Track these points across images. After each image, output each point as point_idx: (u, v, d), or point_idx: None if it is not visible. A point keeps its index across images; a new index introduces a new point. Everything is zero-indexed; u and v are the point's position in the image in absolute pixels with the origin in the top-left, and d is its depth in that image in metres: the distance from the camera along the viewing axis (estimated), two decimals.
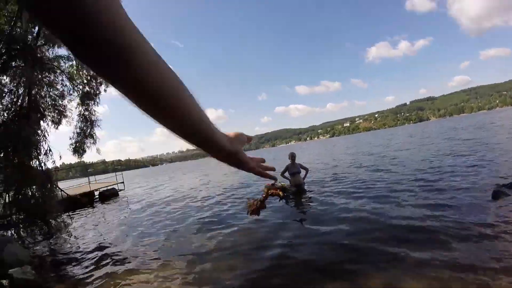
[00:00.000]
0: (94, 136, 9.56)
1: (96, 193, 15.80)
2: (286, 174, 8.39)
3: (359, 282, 3.06)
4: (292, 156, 8.44)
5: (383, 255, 3.54)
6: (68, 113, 9.11)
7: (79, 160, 15.70)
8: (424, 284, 2.82)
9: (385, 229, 4.37)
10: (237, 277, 3.63)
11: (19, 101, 6.62)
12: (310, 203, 7.08)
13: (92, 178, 17.19)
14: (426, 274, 2.95)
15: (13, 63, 7.01)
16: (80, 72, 8.96)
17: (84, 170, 17.88)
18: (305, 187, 8.61)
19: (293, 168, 8.31)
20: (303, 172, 8.47)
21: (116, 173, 19.38)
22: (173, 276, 3.92)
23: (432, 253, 3.35)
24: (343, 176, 10.34)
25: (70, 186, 15.32)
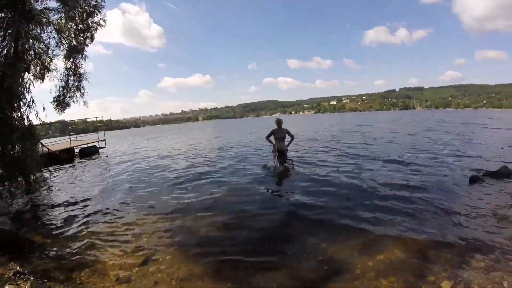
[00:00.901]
0: (82, 90, 9.27)
1: (77, 150, 15.58)
2: (271, 138, 8.38)
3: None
4: (279, 122, 8.39)
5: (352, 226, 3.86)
6: (52, 67, 8.82)
7: (60, 119, 15.38)
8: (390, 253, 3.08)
9: (358, 205, 4.65)
10: (210, 229, 3.99)
11: (4, 51, 6.33)
12: (291, 170, 7.44)
13: (73, 137, 16.83)
14: (390, 246, 3.24)
15: (1, 14, 6.67)
16: (69, 25, 8.60)
17: (64, 128, 17.33)
18: (288, 154, 8.66)
19: (279, 133, 8.28)
20: (288, 139, 8.46)
21: (98, 132, 19.10)
22: (149, 229, 4.11)
23: (402, 227, 3.70)
24: (324, 149, 10.85)
25: (50, 143, 15.03)
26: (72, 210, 5.31)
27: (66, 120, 16.50)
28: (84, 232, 4.20)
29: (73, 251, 3.57)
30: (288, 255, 3.20)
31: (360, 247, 3.26)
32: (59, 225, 4.61)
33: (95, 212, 5.06)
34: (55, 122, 18.98)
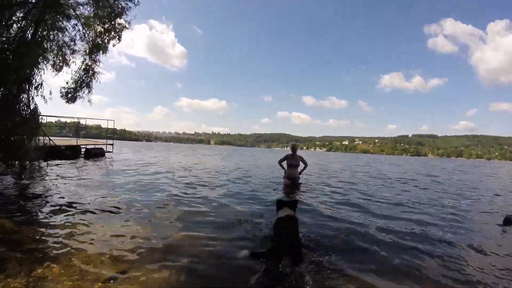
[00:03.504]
0: (91, 87, 9.26)
1: (83, 150, 15.35)
2: (284, 163, 7.74)
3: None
4: (294, 147, 7.80)
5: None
6: (72, 61, 8.87)
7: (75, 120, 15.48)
8: None
9: (382, 245, 3.70)
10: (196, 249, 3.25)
11: (28, 35, 6.31)
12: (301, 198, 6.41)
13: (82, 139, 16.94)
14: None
15: None
16: (96, 24, 8.72)
17: (77, 129, 17.13)
18: (300, 181, 7.95)
19: (292, 160, 7.61)
20: (301, 166, 7.75)
21: (107, 136, 19.08)
22: (133, 241, 3.48)
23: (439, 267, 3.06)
24: (341, 185, 9.53)
25: (58, 138, 15.03)
26: (55, 201, 4.99)
27: (79, 120, 16.55)
28: (59, 222, 3.85)
29: (41, 246, 3.10)
30: None
31: None
32: (38, 216, 4.22)
33: (80, 211, 4.57)
34: (70, 124, 18.97)
